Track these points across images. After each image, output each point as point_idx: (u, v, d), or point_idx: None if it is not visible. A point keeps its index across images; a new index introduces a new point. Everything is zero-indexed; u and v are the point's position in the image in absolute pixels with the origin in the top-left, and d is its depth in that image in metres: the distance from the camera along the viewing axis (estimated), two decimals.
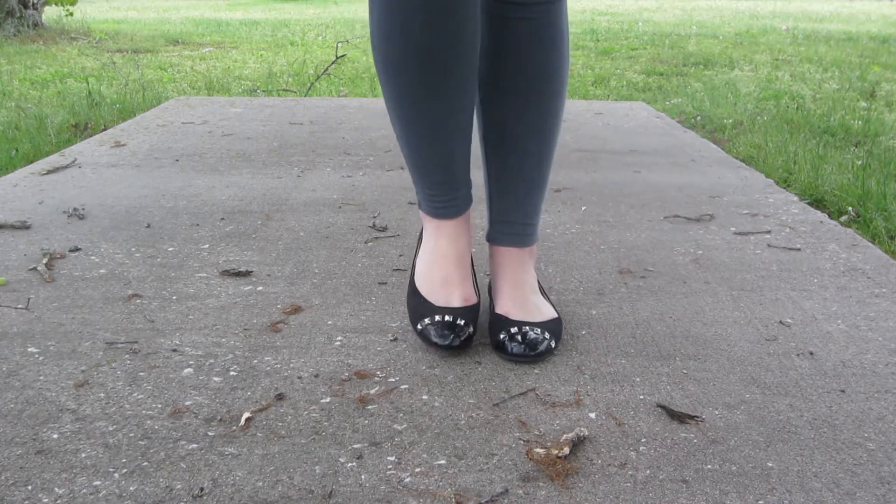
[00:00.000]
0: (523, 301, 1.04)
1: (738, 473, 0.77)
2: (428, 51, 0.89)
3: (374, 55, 0.95)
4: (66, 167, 1.97)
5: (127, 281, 1.25)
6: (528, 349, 0.98)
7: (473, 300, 1.03)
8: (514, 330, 1.00)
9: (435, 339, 0.98)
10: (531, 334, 0.99)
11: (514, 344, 0.99)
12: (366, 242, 1.45)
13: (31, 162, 2.14)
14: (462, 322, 0.99)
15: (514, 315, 1.02)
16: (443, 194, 1.03)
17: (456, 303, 1.01)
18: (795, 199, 1.75)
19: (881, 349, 1.04)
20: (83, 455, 0.79)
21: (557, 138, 1.04)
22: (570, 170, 2.01)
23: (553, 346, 1.00)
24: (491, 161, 1.05)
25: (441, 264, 1.04)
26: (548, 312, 1.04)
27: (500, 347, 1.00)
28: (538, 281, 1.10)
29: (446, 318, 0.99)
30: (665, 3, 12.23)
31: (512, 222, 1.06)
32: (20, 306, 1.15)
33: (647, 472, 0.77)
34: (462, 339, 0.98)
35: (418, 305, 1.03)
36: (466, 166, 1.04)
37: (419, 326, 1.01)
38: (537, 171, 1.04)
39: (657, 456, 0.80)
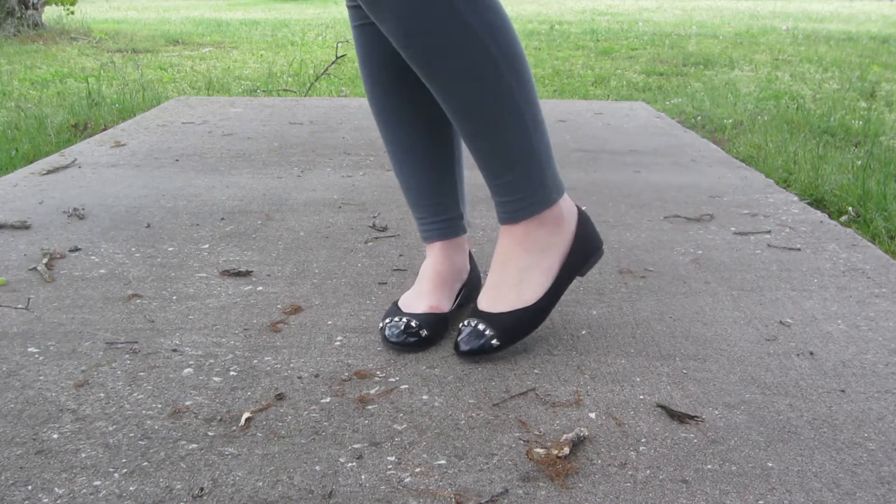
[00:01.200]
0: (499, 282, 1.01)
1: (738, 473, 0.77)
2: (387, 86, 1.05)
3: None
4: (65, 167, 1.97)
5: (127, 281, 1.25)
6: (469, 347, 0.99)
7: (440, 309, 1.06)
8: (463, 323, 1.01)
9: (389, 337, 1.02)
10: (476, 331, 0.99)
11: (460, 337, 1.00)
12: (366, 242, 1.45)
13: (31, 162, 2.14)
14: (416, 324, 1.02)
15: (481, 303, 1.01)
16: (426, 217, 1.09)
17: (419, 309, 1.05)
18: (795, 199, 1.75)
19: (881, 349, 1.04)
20: (83, 455, 0.79)
21: (487, 118, 0.94)
22: (570, 170, 2.01)
23: (495, 344, 0.98)
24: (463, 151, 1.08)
25: (420, 282, 1.09)
26: (514, 300, 0.99)
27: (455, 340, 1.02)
28: (573, 239, 1.03)
29: (403, 319, 1.03)
30: (665, 3, 12.23)
31: (496, 201, 1.01)
32: (20, 306, 1.15)
33: (647, 472, 0.77)
34: (412, 340, 1.01)
35: (388, 311, 1.07)
36: (451, 195, 1.08)
37: (380, 325, 1.06)
38: (488, 150, 0.96)
39: (657, 456, 0.80)
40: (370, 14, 0.89)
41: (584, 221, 1.05)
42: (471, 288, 1.13)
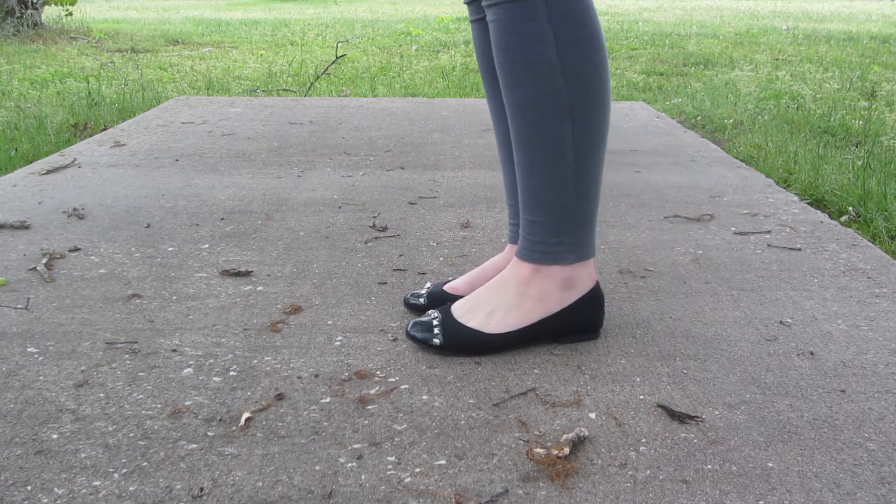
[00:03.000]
0: (475, 300, 1.02)
1: (739, 473, 0.77)
2: (485, 79, 1.11)
3: None
4: (65, 167, 1.97)
5: (127, 281, 1.25)
6: (415, 331, 1.02)
7: (453, 290, 1.13)
8: (429, 312, 1.05)
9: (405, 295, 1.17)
10: (432, 323, 1.02)
11: (414, 321, 1.04)
12: (366, 242, 1.45)
13: (31, 162, 2.14)
14: (423, 293, 1.14)
15: (455, 306, 1.03)
16: (509, 215, 1.14)
17: (444, 286, 1.15)
18: (795, 199, 1.75)
19: (881, 349, 1.04)
20: (83, 455, 0.79)
21: (540, 153, 0.94)
22: None
23: (437, 343, 1.00)
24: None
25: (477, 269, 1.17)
26: (480, 322, 1.00)
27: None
28: (547, 315, 1.00)
29: (426, 288, 1.16)
30: (665, 3, 12.23)
31: (515, 223, 1.12)
32: (20, 306, 1.15)
33: (647, 472, 0.77)
34: (410, 301, 1.14)
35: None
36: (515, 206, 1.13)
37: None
38: (525, 183, 0.97)
39: (657, 456, 0.80)
40: (487, 11, 0.94)
41: (592, 299, 1.03)
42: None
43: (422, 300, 1.13)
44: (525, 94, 0.92)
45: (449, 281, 1.16)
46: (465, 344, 1.00)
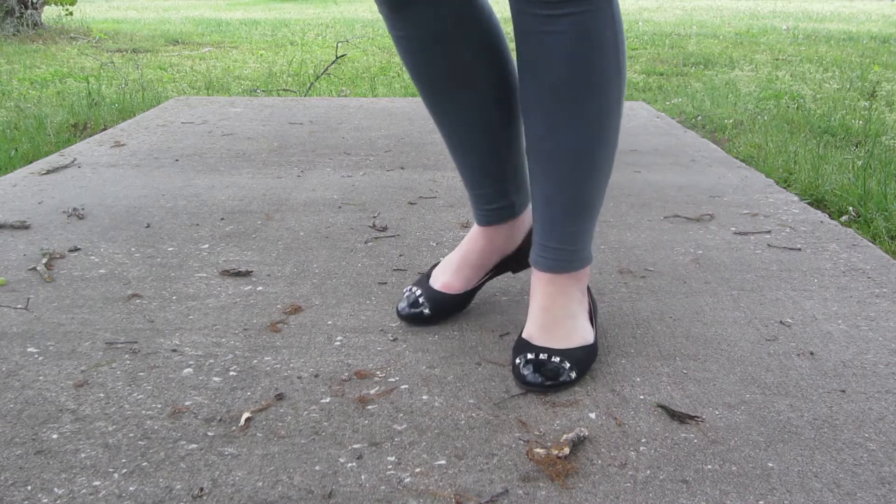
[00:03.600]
0: (551, 325, 0.97)
1: (739, 474, 0.77)
2: (429, 81, 1.00)
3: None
4: (65, 167, 1.97)
5: (127, 281, 1.25)
6: (543, 378, 0.92)
7: (451, 289, 1.10)
8: (530, 356, 0.94)
9: (398, 305, 1.11)
10: (550, 363, 0.93)
11: (527, 371, 0.93)
12: (366, 242, 1.45)
13: (31, 162, 2.14)
14: (422, 301, 1.09)
15: (537, 340, 0.96)
16: (475, 200, 1.09)
17: (436, 286, 1.10)
18: (796, 199, 1.75)
19: (882, 349, 1.04)
20: (83, 455, 0.79)
21: (603, 164, 0.94)
22: None
23: (573, 376, 0.93)
24: (531, 181, 0.99)
25: (452, 255, 1.13)
26: (578, 339, 0.97)
27: (515, 372, 0.95)
28: (590, 303, 1.04)
29: (416, 292, 1.10)
30: (665, 3, 12.23)
31: (547, 246, 0.98)
32: (20, 306, 1.15)
33: (647, 472, 0.77)
34: (412, 312, 1.08)
35: (417, 279, 1.14)
36: (497, 183, 1.06)
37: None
38: (570, 199, 0.95)
39: (657, 456, 0.80)
40: (550, 21, 0.86)
41: (591, 293, 1.07)
42: (513, 259, 1.14)
43: (426, 310, 1.08)
44: (597, 106, 0.90)
45: (428, 278, 1.12)
46: (587, 361, 0.97)
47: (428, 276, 1.13)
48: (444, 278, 1.10)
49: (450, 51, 0.97)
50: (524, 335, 0.98)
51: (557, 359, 0.93)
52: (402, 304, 1.10)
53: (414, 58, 0.98)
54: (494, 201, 1.08)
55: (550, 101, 0.90)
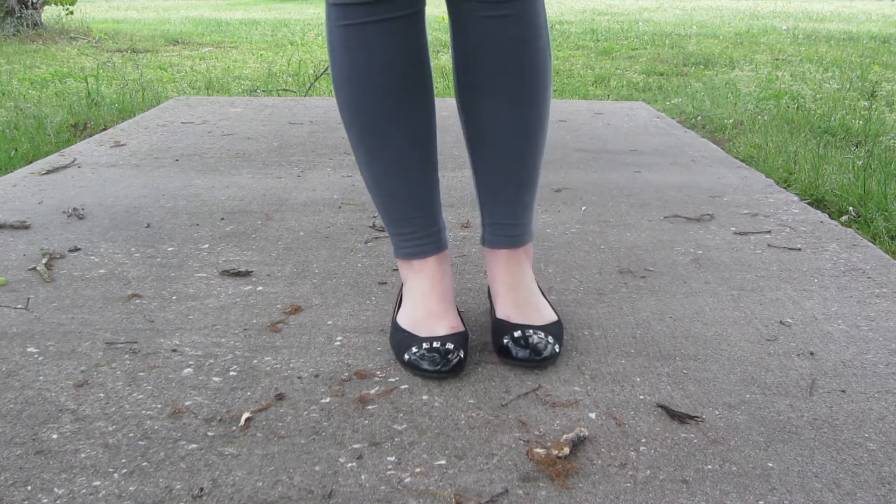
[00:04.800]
0: (523, 303, 1.02)
1: (739, 474, 0.77)
2: (385, 90, 0.95)
3: (336, 97, 0.99)
4: (65, 167, 1.97)
5: (127, 281, 1.25)
6: (532, 353, 0.96)
7: (460, 328, 0.99)
8: (517, 334, 0.98)
9: (426, 367, 0.94)
10: (535, 338, 0.97)
11: (518, 348, 0.97)
12: (366, 242, 1.45)
13: (31, 162, 2.14)
14: (451, 346, 0.95)
15: (515, 318, 1.01)
16: (416, 231, 1.01)
17: (442, 332, 0.97)
18: (796, 199, 1.75)
19: (881, 349, 1.04)
20: (83, 455, 0.79)
21: (544, 137, 1.02)
22: (570, 170, 2.01)
23: (557, 350, 0.98)
24: (477, 165, 1.03)
25: (423, 301, 1.01)
26: (548, 315, 1.03)
27: (504, 352, 0.98)
28: (537, 282, 1.09)
29: (435, 344, 0.95)
30: (665, 3, 12.23)
31: (503, 224, 1.03)
32: (20, 306, 1.15)
33: (647, 472, 0.77)
34: (453, 363, 0.94)
35: (402, 339, 0.99)
36: (438, 205, 1.04)
37: (406, 357, 0.96)
38: (524, 172, 1.01)
39: (657, 456, 0.80)
40: (496, 7, 0.92)
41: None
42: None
43: (461, 354, 0.96)
44: (539, 83, 0.97)
45: (416, 335, 0.98)
46: (563, 337, 1.04)
47: (412, 335, 0.98)
48: (447, 322, 0.99)
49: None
50: (500, 316, 1.02)
51: (541, 334, 0.99)
52: (432, 362, 0.94)
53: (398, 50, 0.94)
54: (435, 224, 1.04)
55: (500, 80, 0.96)
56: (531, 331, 0.98)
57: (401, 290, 1.08)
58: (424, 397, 0.91)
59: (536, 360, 0.96)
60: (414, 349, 0.96)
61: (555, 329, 1.01)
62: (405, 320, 1.01)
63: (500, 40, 0.94)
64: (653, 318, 1.13)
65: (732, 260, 1.36)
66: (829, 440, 0.83)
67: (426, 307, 1.00)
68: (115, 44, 5.65)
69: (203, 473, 0.76)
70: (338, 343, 1.04)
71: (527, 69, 0.96)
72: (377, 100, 0.95)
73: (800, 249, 1.42)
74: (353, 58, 0.93)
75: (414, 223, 1.02)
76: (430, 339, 0.96)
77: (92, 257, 1.35)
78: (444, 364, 0.93)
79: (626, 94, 3.67)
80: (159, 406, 0.88)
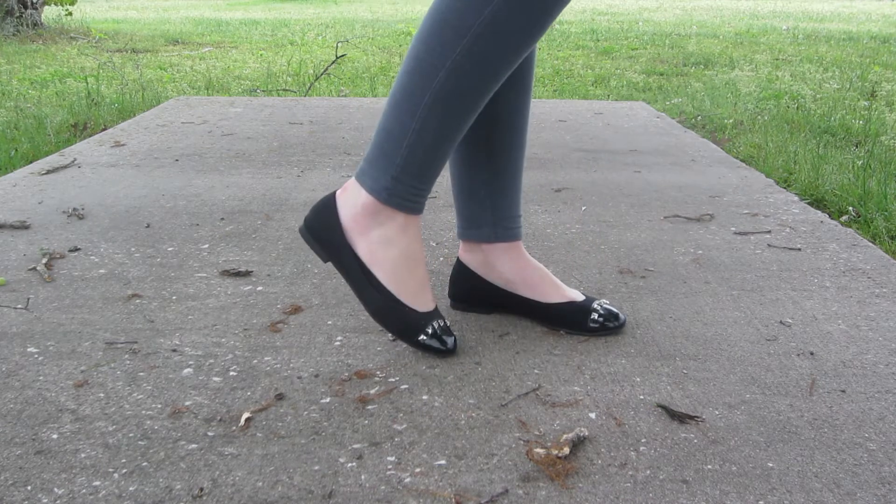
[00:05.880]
0: (560, 283, 1.11)
1: (739, 473, 0.77)
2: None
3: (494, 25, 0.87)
4: (65, 167, 1.97)
5: (127, 281, 1.25)
6: (617, 318, 1.08)
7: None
8: (596, 306, 1.08)
9: (442, 347, 0.99)
10: (605, 304, 1.08)
11: (608, 318, 1.07)
12: None
13: (31, 162, 2.14)
14: (446, 324, 1.02)
15: (578, 297, 1.08)
16: (426, 190, 0.97)
17: (432, 305, 1.00)
18: (796, 198, 1.75)
19: (882, 349, 1.04)
20: (83, 455, 0.79)
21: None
22: (570, 170, 2.01)
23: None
24: (497, 159, 1.05)
25: (415, 267, 0.99)
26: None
27: (595, 325, 1.07)
28: None
29: (440, 322, 1.00)
30: (665, 3, 12.23)
31: (516, 216, 1.10)
32: (20, 306, 1.15)
33: (647, 472, 0.77)
34: (455, 340, 1.02)
35: (407, 317, 0.98)
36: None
37: (422, 338, 0.98)
38: (524, 161, 1.11)
39: (657, 456, 0.80)
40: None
41: None
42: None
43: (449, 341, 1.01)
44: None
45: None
46: None
47: (409, 312, 0.99)
48: (431, 295, 1.01)
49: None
50: (569, 297, 1.08)
51: (605, 302, 1.09)
52: (444, 342, 0.99)
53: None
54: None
55: (528, 75, 1.04)
56: (596, 303, 1.08)
57: (371, 246, 0.99)
58: (424, 397, 0.91)
59: (623, 322, 1.08)
60: (429, 329, 0.99)
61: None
62: (402, 290, 0.98)
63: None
64: (653, 318, 1.13)
65: (732, 260, 1.36)
66: (829, 440, 0.83)
67: (417, 276, 0.99)
68: (114, 44, 5.65)
69: (203, 473, 0.76)
70: (338, 343, 1.04)
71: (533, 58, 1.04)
72: (517, 57, 0.89)
73: (800, 249, 1.42)
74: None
75: (432, 185, 0.97)
76: (434, 317, 1.00)
77: (92, 257, 1.35)
78: (455, 341, 1.01)
79: (626, 94, 3.67)
80: (159, 406, 0.88)
